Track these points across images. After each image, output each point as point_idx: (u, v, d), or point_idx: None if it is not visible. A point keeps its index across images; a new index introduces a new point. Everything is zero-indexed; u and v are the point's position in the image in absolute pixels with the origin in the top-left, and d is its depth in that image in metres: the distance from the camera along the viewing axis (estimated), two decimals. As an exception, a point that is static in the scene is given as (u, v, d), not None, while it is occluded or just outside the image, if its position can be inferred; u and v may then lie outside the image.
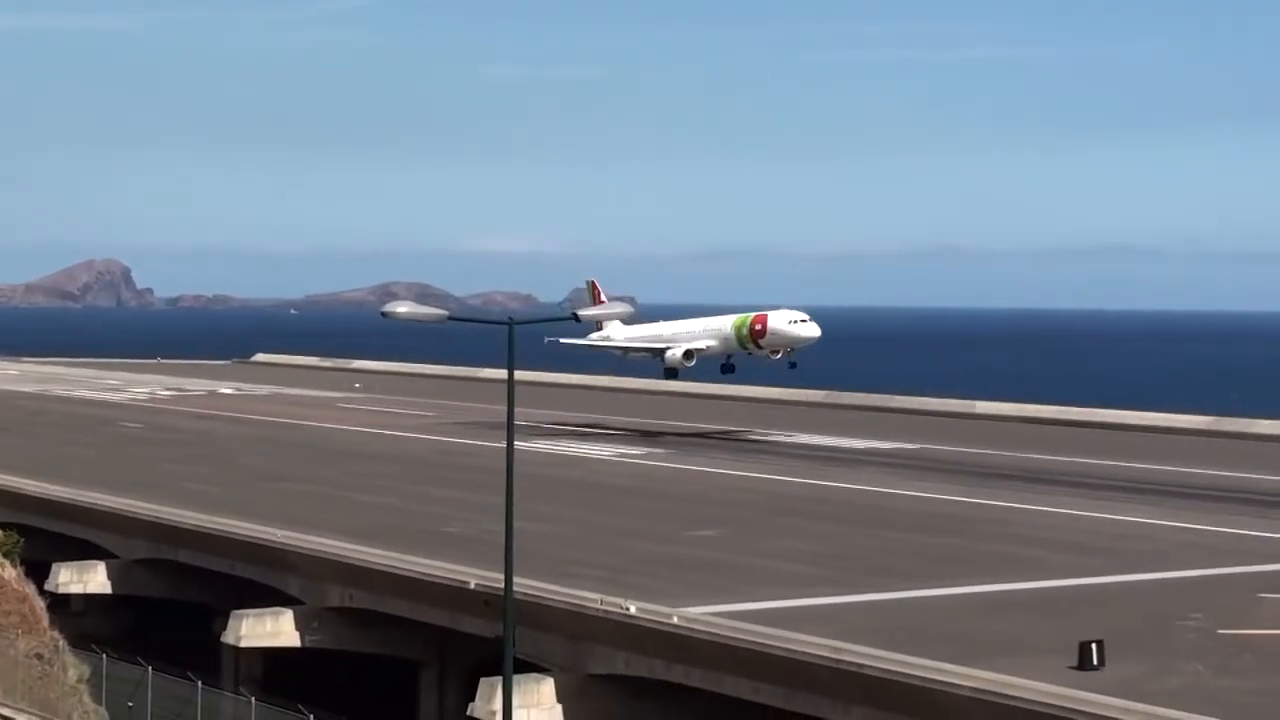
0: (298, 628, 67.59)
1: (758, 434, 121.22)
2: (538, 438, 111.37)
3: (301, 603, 68.74)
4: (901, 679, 48.17)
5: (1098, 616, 54.81)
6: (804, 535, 74.39)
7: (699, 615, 55.21)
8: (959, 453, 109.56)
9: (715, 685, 53.83)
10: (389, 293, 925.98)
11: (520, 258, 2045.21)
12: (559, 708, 56.44)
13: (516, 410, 48.27)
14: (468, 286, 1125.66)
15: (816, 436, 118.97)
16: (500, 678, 48.86)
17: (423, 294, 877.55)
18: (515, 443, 47.66)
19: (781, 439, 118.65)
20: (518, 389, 48.46)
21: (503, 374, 49.15)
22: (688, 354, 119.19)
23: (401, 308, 48.34)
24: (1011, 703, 45.54)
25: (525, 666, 55.93)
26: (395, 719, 69.13)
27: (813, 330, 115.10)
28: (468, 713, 56.12)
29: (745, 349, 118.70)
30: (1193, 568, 66.14)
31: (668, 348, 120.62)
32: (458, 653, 66.75)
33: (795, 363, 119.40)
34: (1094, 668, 47.72)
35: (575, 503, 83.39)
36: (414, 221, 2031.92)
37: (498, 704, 51.05)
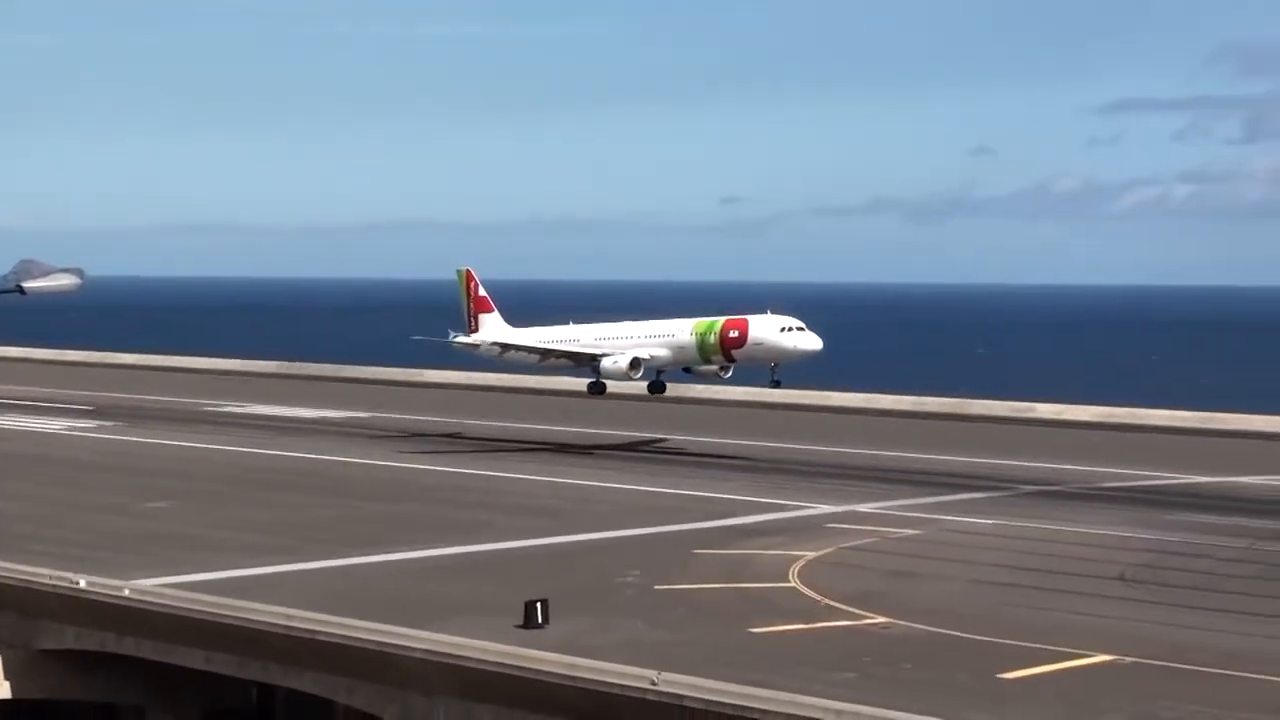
0: None
1: (211, 405, 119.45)
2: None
3: None
4: (354, 643, 48.25)
5: (545, 576, 55.94)
6: (259, 505, 73.76)
7: (151, 587, 54.19)
8: (410, 420, 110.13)
9: (167, 656, 53.02)
10: None
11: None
12: (7, 684, 54.69)
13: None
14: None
15: (271, 407, 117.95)
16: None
17: None
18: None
19: (236, 409, 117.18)
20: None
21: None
22: (635, 363, 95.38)
23: None
24: (460, 662, 46.16)
25: (-29, 645, 54.04)
26: None
27: (813, 342, 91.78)
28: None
29: (707, 360, 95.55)
30: (635, 527, 68.16)
31: (602, 355, 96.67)
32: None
33: (780, 380, 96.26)
34: (539, 626, 48.73)
35: (26, 477, 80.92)
36: None
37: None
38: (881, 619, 50.68)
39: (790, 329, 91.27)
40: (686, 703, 42.22)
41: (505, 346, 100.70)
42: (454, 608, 51.86)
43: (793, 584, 56.19)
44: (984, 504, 76.14)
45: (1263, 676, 43.56)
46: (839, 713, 39.94)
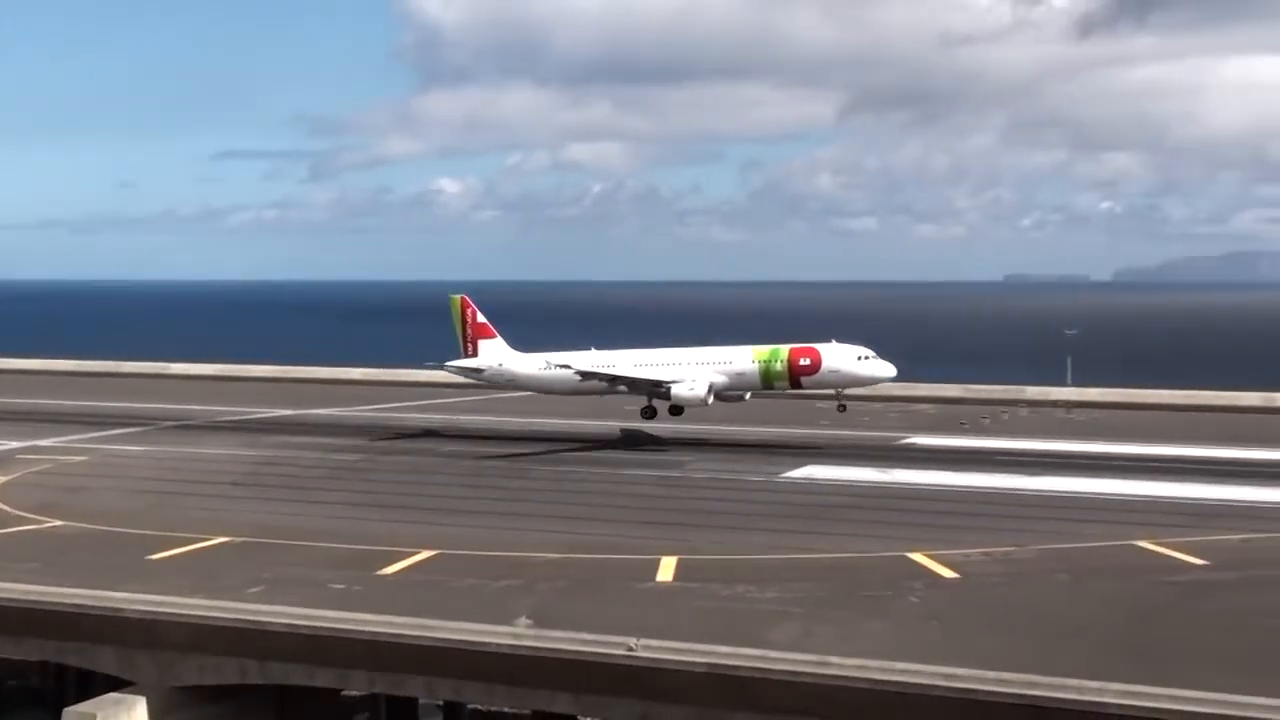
0: None
1: None
2: None
3: None
4: None
5: None
6: None
7: None
8: None
9: None
10: None
11: None
12: None
13: None
14: None
15: None
16: None
17: None
18: None
19: None
20: None
21: None
22: (710, 389, 73.08)
23: None
24: None
25: None
26: None
27: (887, 369, 72.05)
28: None
29: (769, 386, 73.96)
30: None
31: (672, 382, 73.43)
32: None
33: (845, 404, 74.85)
34: None
35: None
36: None
37: None
38: (59, 522, 50.17)
39: (866, 357, 71.94)
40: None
41: (586, 375, 75.35)
42: None
43: (-10, 502, 54.43)
44: (136, 436, 75.73)
45: (327, 544, 46.49)
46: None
